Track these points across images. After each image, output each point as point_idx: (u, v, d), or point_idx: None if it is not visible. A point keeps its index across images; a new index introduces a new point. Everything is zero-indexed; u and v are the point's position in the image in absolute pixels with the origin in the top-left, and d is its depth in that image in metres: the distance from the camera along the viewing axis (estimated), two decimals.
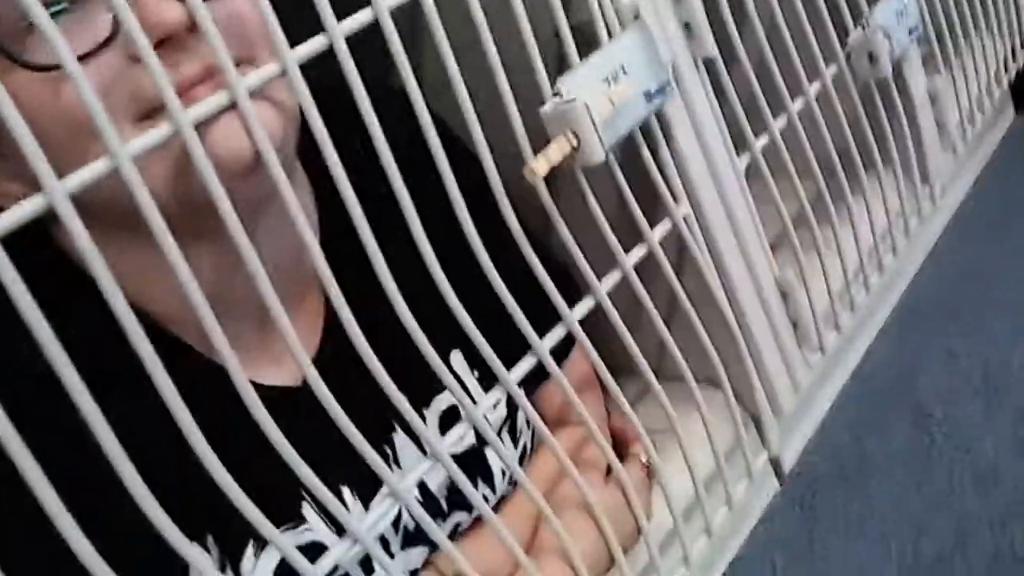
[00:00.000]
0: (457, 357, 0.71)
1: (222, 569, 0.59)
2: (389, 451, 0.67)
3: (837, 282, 0.89)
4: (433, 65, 0.58)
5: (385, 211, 0.53)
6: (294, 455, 0.49)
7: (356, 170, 0.50)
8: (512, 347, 0.59)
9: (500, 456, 0.60)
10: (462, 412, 0.69)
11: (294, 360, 0.65)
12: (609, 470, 0.71)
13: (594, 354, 0.64)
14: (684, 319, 0.72)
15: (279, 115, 0.55)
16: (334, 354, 0.63)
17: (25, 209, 0.40)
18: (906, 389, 0.89)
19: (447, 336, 0.58)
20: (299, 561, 0.49)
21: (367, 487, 0.63)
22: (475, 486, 0.69)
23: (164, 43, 0.49)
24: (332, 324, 0.68)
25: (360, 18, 0.51)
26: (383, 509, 0.54)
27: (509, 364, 0.59)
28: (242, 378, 0.47)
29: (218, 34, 0.44)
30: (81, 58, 0.49)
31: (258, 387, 0.61)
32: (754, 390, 0.80)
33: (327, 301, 0.69)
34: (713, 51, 0.74)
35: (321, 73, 0.50)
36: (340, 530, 0.62)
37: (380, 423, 0.64)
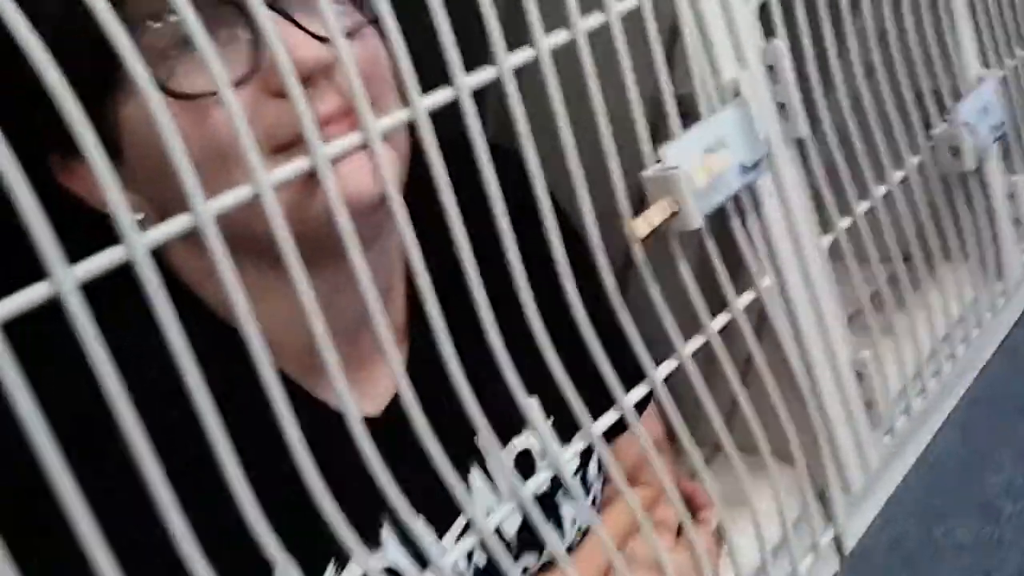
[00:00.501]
0: (533, 403, 0.73)
1: None
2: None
3: (910, 367, 0.89)
4: (532, 124, 0.60)
5: (478, 259, 0.55)
6: (390, 480, 0.50)
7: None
8: (587, 401, 0.61)
9: (576, 503, 0.61)
10: (535, 456, 0.71)
11: (377, 391, 0.68)
12: (679, 532, 0.72)
13: (674, 412, 0.65)
14: (755, 391, 0.73)
15: (399, 158, 0.57)
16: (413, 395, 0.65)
17: (173, 226, 0.42)
18: (974, 481, 0.89)
19: (526, 382, 0.60)
20: None
21: (439, 521, 0.65)
22: None
23: (303, 84, 0.51)
24: (411, 366, 0.70)
25: (484, 75, 0.54)
26: (466, 546, 0.56)
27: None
28: (350, 404, 0.49)
29: (358, 77, 0.47)
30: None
31: (340, 415, 0.63)
32: (824, 466, 0.80)
33: (408, 346, 0.71)
34: (805, 131, 0.76)
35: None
36: (416, 557, 0.63)
37: (457, 462, 0.65)
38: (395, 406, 0.66)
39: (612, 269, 0.62)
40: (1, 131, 0.36)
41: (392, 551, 0.63)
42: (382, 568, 0.62)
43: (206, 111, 0.51)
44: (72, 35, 0.46)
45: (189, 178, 0.42)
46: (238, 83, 0.53)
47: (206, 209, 0.43)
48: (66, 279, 0.38)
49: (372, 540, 0.62)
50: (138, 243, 0.41)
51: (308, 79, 0.51)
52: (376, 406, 0.67)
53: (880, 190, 0.86)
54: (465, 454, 0.68)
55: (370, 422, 0.66)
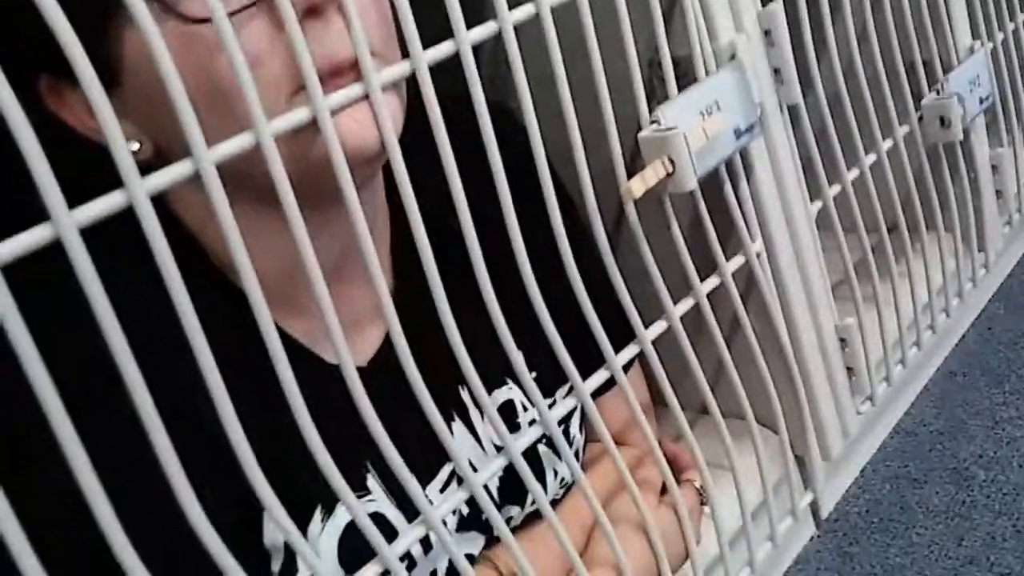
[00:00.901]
0: (518, 359, 0.73)
1: None
2: None
3: (891, 335, 0.90)
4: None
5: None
6: (380, 428, 0.50)
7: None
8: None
9: (566, 461, 0.61)
10: (518, 407, 0.71)
11: (362, 344, 0.67)
12: (663, 491, 0.73)
13: (662, 373, 0.66)
14: (739, 356, 0.73)
15: (400, 107, 0.57)
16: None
17: (174, 172, 0.42)
18: (948, 449, 0.91)
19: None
20: (368, 526, 0.50)
21: (421, 472, 0.65)
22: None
23: (311, 14, 0.50)
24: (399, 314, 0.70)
25: (486, 29, 0.53)
26: (456, 500, 0.56)
27: (564, 377, 0.61)
28: (345, 350, 0.48)
29: (360, 25, 0.47)
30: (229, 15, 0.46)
31: (325, 364, 0.63)
32: (806, 432, 0.81)
33: (394, 294, 0.70)
34: (799, 98, 0.76)
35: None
36: (401, 503, 0.63)
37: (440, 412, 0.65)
38: (379, 358, 0.66)
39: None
40: None
41: (378, 496, 0.63)
42: (369, 513, 0.63)
43: (214, 49, 0.49)
44: None
45: (192, 125, 0.41)
46: (243, 11, 0.50)
47: (207, 156, 0.42)
48: (67, 222, 0.37)
49: (356, 488, 0.63)
50: (139, 188, 0.40)
51: (316, 14, 0.50)
52: (361, 359, 0.67)
53: (869, 158, 0.86)
54: (447, 406, 0.68)
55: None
